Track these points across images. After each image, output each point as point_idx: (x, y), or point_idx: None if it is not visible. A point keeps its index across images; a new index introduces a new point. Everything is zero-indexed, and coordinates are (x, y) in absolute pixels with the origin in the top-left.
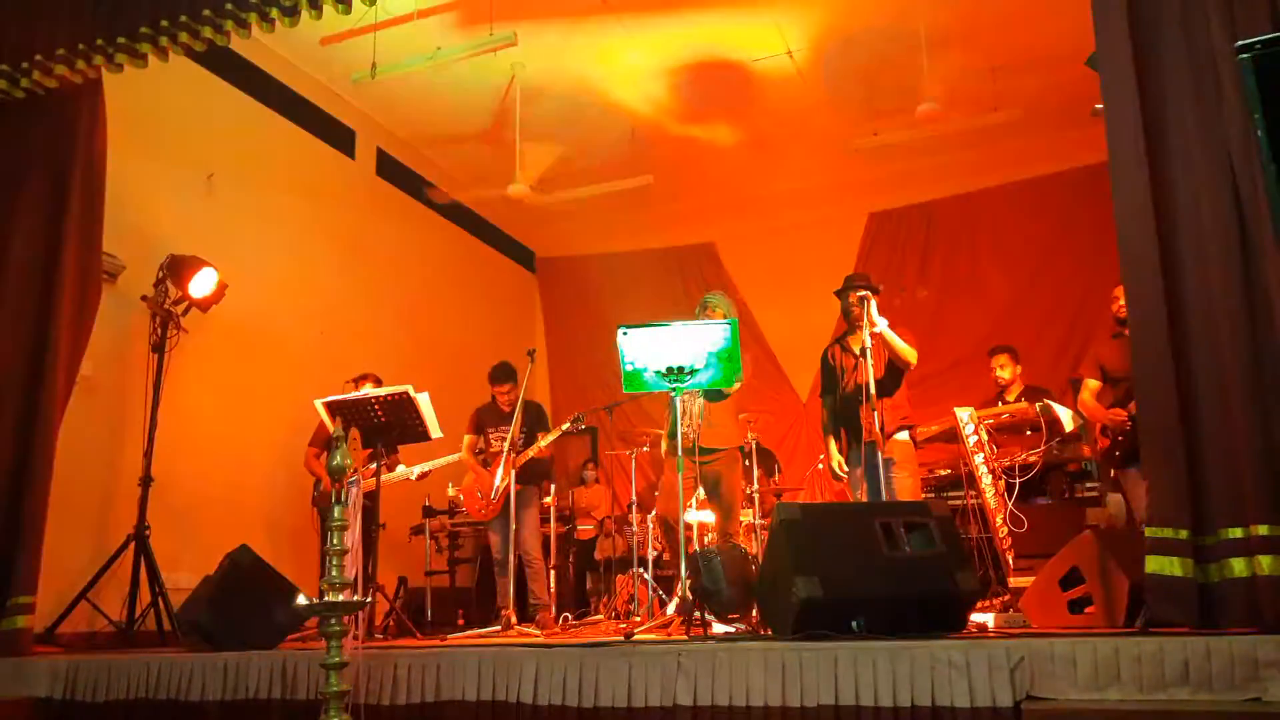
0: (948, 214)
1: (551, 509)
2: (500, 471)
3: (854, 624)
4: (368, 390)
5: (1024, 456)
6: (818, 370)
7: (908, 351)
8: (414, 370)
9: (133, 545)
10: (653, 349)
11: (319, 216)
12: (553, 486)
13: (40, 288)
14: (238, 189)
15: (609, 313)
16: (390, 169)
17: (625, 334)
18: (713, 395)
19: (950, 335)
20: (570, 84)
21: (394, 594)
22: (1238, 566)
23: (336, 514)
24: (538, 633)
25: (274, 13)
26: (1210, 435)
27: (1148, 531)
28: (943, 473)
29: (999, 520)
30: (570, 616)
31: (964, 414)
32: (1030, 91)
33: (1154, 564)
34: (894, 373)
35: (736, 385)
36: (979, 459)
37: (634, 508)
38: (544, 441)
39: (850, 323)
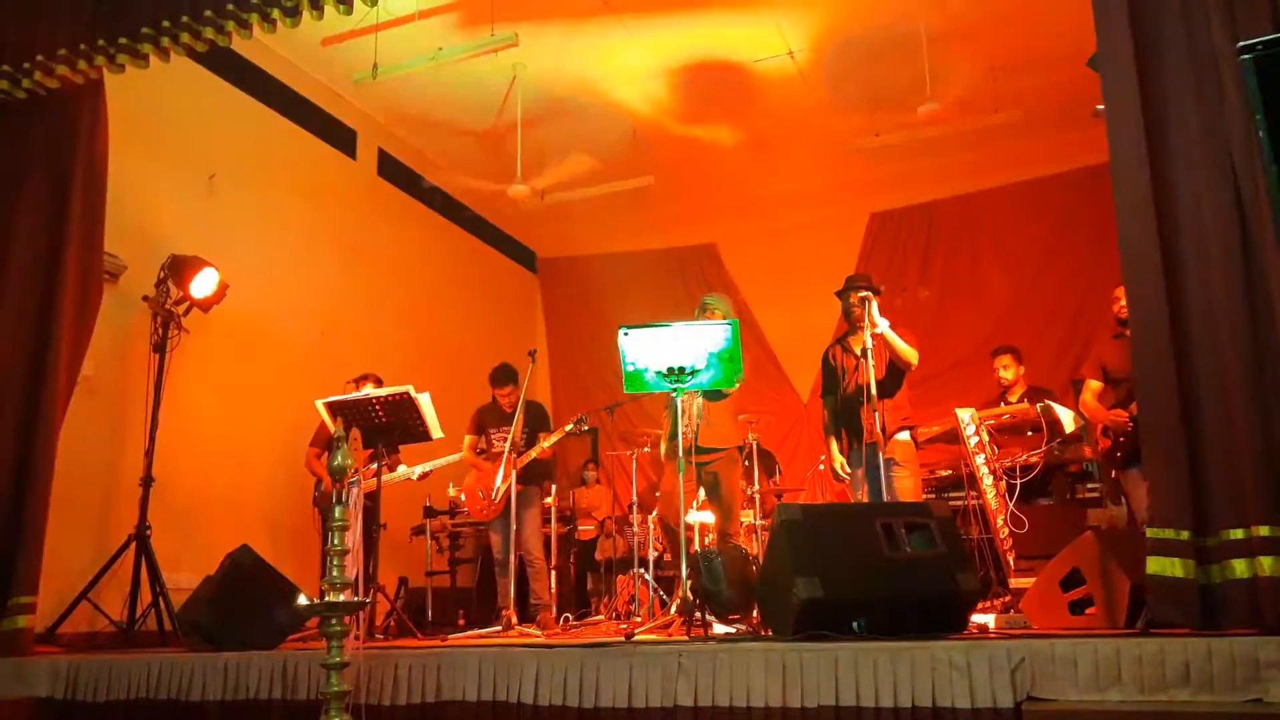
0: (949, 214)
1: (552, 509)
2: (501, 472)
3: (855, 624)
4: (368, 390)
5: (1025, 457)
6: (818, 371)
7: (909, 352)
8: (415, 370)
9: (134, 545)
10: (654, 349)
11: (320, 217)
12: (554, 487)
13: (42, 288)
14: (239, 189)
15: (610, 313)
16: (391, 169)
17: (626, 334)
18: (712, 395)
19: (951, 336)
20: (571, 84)
21: (395, 594)
22: (1239, 567)
23: (337, 514)
24: (538, 633)
25: (275, 13)
26: (1211, 436)
27: (1149, 532)
28: (944, 473)
29: (1000, 521)
30: (571, 617)
31: (965, 415)
32: (1031, 92)
33: (1155, 565)
34: (895, 373)
35: (727, 386)
36: (980, 460)
37: (635, 508)
38: (546, 443)
39: (851, 323)
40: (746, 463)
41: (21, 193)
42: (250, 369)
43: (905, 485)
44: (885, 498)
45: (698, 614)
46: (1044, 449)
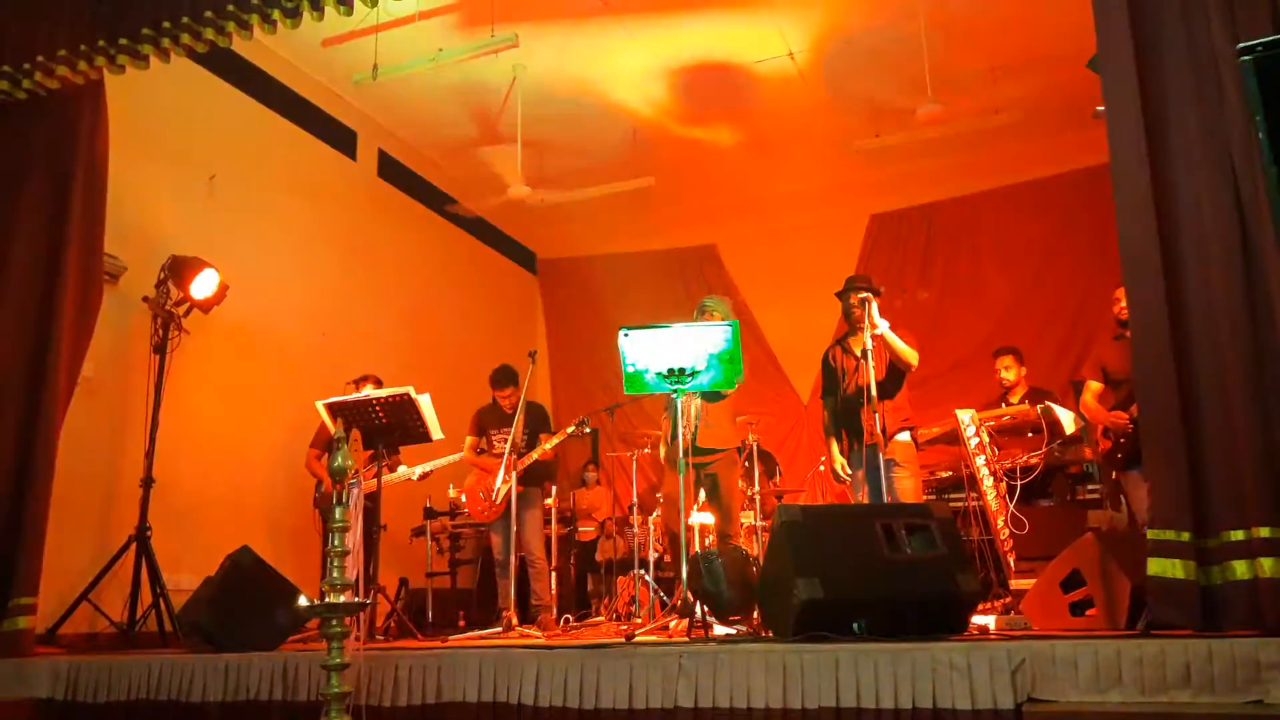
0: (949, 216)
1: (553, 510)
2: (501, 473)
3: (855, 626)
4: (369, 392)
5: (1025, 459)
6: (819, 372)
7: (909, 353)
8: (415, 371)
9: (134, 546)
10: (654, 350)
11: (320, 218)
12: (554, 488)
13: (42, 289)
14: (239, 190)
15: (610, 314)
16: (392, 170)
17: (626, 335)
18: (710, 396)
19: (951, 337)
20: (572, 85)
21: (395, 595)
22: (1239, 569)
23: (338, 515)
24: (539, 634)
25: (275, 14)
26: (1212, 437)
27: (1149, 534)
28: (944, 474)
29: (1000, 522)
30: (571, 618)
31: (965, 416)
32: (1031, 93)
33: (1156, 566)
34: (895, 374)
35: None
36: (980, 461)
37: (635, 509)
38: (548, 444)
39: (851, 324)
40: (747, 464)
41: (22, 193)
42: (250, 370)
43: (905, 486)
44: (885, 499)
45: (698, 615)
46: (1044, 450)
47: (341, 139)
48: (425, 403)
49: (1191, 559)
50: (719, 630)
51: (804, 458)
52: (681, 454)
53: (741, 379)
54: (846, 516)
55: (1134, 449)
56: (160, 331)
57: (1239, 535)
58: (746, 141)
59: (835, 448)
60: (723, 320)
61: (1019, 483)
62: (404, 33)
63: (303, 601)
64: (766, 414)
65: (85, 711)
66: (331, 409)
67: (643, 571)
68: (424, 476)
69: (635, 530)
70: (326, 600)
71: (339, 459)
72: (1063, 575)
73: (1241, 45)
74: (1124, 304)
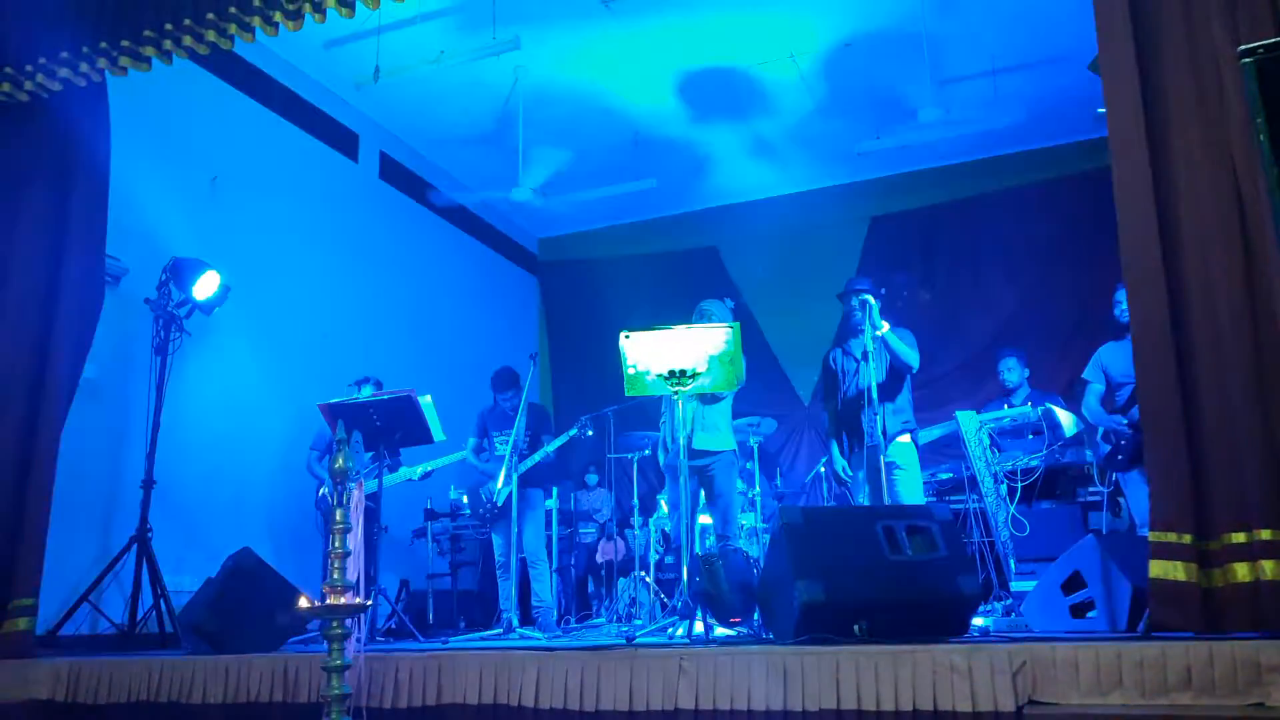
0: (950, 218)
1: (554, 512)
2: (503, 474)
3: (856, 628)
4: (370, 394)
5: (1026, 461)
6: (820, 374)
7: (910, 355)
8: (416, 373)
9: (135, 547)
10: (655, 352)
11: (322, 220)
12: (555, 489)
13: (43, 290)
14: (241, 192)
15: (611, 316)
16: (393, 172)
17: (627, 337)
18: (706, 399)
19: (953, 339)
20: (573, 87)
21: (396, 597)
22: (1241, 571)
23: (339, 517)
24: (539, 636)
25: (277, 16)
26: (1213, 439)
27: (1151, 536)
28: (945, 476)
29: (1001, 523)
30: (572, 620)
31: (966, 417)
32: (1032, 95)
33: (1157, 568)
34: (896, 376)
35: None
36: (981, 463)
37: (636, 511)
38: (550, 447)
39: (852, 326)
40: (748, 465)
41: (24, 195)
42: (252, 371)
43: (906, 488)
44: (886, 500)
45: (699, 617)
46: (1044, 452)
47: (343, 141)
48: (427, 404)
49: (1193, 561)
50: (720, 632)
51: (804, 459)
52: (683, 456)
53: (742, 381)
54: (847, 518)
55: (1134, 450)
56: (162, 333)
57: (1240, 538)
58: (748, 144)
59: (836, 449)
60: (721, 323)
61: (1019, 484)
62: (405, 35)
63: (303, 603)
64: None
65: (86, 712)
66: (333, 410)
67: (643, 573)
68: (425, 476)
69: (636, 532)
70: (327, 602)
71: (340, 460)
72: (1064, 577)
73: (1242, 47)
74: (1125, 305)
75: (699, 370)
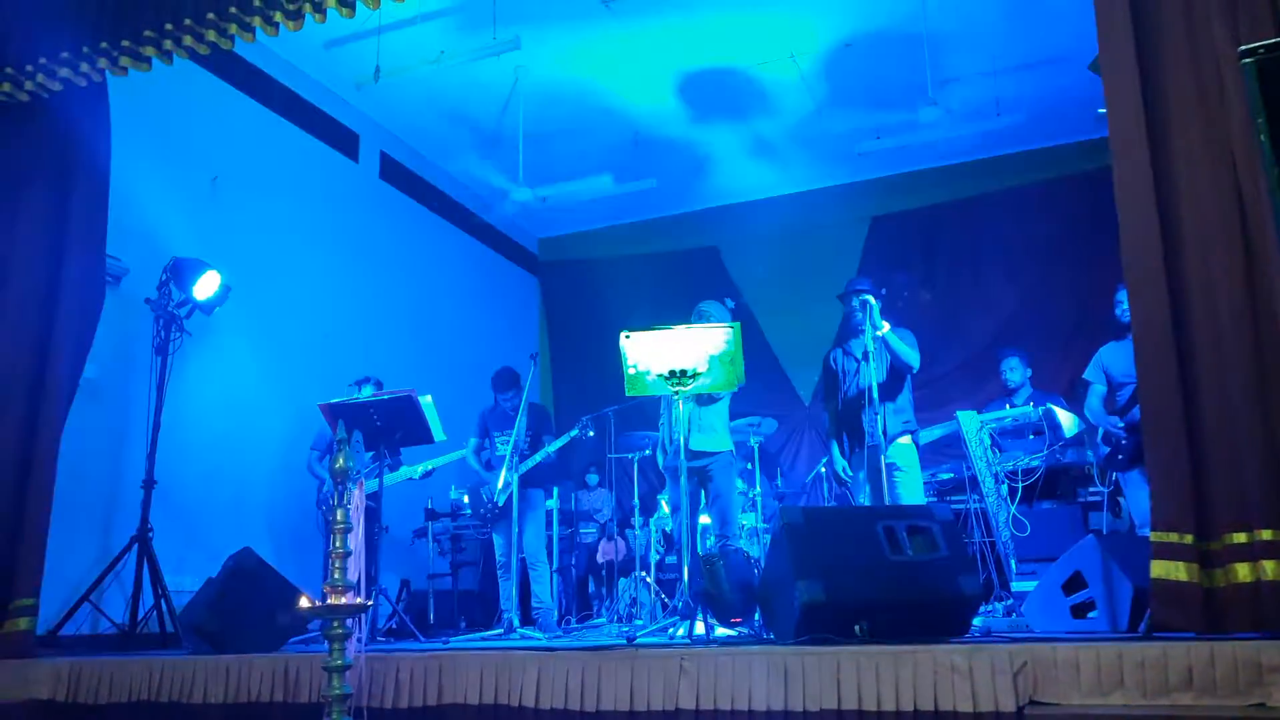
0: (951, 218)
1: (555, 512)
2: (503, 475)
3: (857, 628)
4: (370, 394)
5: (1027, 461)
6: (820, 374)
7: (910, 355)
8: (417, 373)
9: (136, 547)
10: (655, 352)
11: (322, 220)
12: (556, 489)
13: (44, 290)
14: (241, 192)
15: (612, 316)
16: (394, 172)
17: (628, 337)
18: (702, 400)
19: (954, 339)
20: (573, 87)
21: (396, 597)
22: (1242, 571)
23: (339, 516)
24: (540, 636)
25: (278, 16)
26: (1214, 439)
27: (1153, 536)
28: (945, 476)
29: (1001, 524)
30: (573, 620)
31: (967, 417)
32: (1032, 95)
33: (1159, 569)
34: (896, 376)
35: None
36: (982, 463)
37: (636, 511)
38: (551, 448)
39: (853, 327)
40: (749, 465)
41: (24, 195)
42: (252, 371)
43: (907, 488)
44: (887, 501)
45: (699, 617)
46: (1045, 452)
47: (343, 141)
48: (427, 404)
49: (1194, 561)
50: (720, 632)
51: (805, 460)
52: (683, 457)
53: (743, 381)
54: (848, 518)
55: (1134, 451)
56: (162, 333)
57: (1241, 538)
58: (748, 144)
59: (836, 450)
60: (719, 324)
61: (1020, 484)
62: (406, 35)
63: (304, 603)
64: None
65: (86, 713)
66: (333, 410)
67: (644, 573)
68: (426, 475)
69: (636, 532)
70: (328, 602)
71: (340, 460)
72: (1064, 577)
73: (1243, 47)
74: (1126, 305)
75: (699, 370)
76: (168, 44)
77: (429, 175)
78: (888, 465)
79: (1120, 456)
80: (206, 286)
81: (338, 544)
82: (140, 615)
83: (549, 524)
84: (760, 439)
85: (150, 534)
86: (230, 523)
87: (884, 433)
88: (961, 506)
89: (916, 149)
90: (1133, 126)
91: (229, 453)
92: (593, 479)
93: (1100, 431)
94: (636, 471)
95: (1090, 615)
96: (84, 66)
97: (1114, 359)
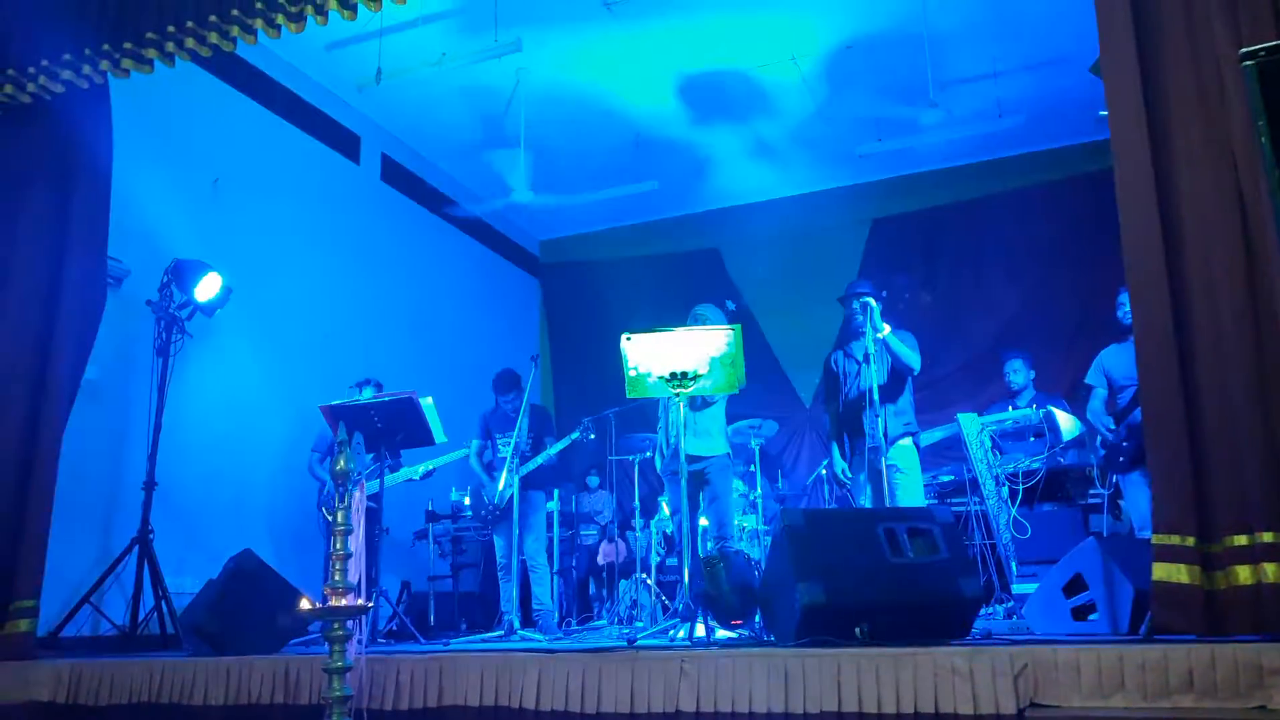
0: (952, 220)
1: (555, 514)
2: (504, 477)
3: (857, 630)
4: (370, 396)
5: (1027, 463)
6: (821, 376)
7: (911, 357)
8: (418, 374)
9: (136, 549)
10: (656, 354)
11: (324, 222)
12: (557, 491)
13: (45, 291)
14: (243, 194)
15: (612, 318)
16: (395, 174)
17: (629, 339)
18: (697, 404)
19: (955, 341)
20: (575, 89)
21: (397, 598)
22: (1242, 574)
23: (340, 518)
24: (541, 638)
25: (280, 18)
26: (1215, 440)
27: (1154, 538)
28: (946, 478)
29: (1002, 526)
30: (573, 622)
31: (967, 420)
32: (1033, 98)
33: (1161, 571)
34: (897, 378)
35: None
36: (982, 465)
37: (637, 513)
38: (553, 449)
39: (854, 329)
40: (751, 467)
41: (26, 196)
42: (253, 373)
43: (907, 490)
44: (887, 502)
45: (700, 619)
46: (1045, 454)
47: (345, 143)
48: (428, 406)
49: (1196, 564)
50: (721, 634)
51: (806, 462)
52: (681, 459)
53: (743, 383)
54: (849, 520)
55: (1135, 453)
56: (163, 334)
57: (1242, 540)
58: (749, 146)
59: (837, 451)
60: (718, 326)
61: (1021, 487)
62: (407, 37)
63: (304, 605)
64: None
65: (87, 714)
66: (334, 412)
67: (644, 575)
68: (426, 475)
69: (637, 534)
70: (328, 604)
71: (341, 462)
72: (1065, 580)
73: (1244, 50)
74: (1128, 307)
75: (700, 372)
76: (170, 46)
77: (430, 177)
78: (888, 467)
79: (1120, 459)
80: (208, 288)
81: (338, 546)
82: (141, 617)
83: (550, 526)
84: (761, 441)
85: (151, 535)
86: (231, 524)
87: (885, 435)
88: (962, 509)
89: (917, 151)
90: (1134, 128)
91: (230, 454)
92: (593, 481)
93: (1099, 435)
94: (637, 473)
95: (1091, 618)
96: (86, 68)
97: (1115, 361)
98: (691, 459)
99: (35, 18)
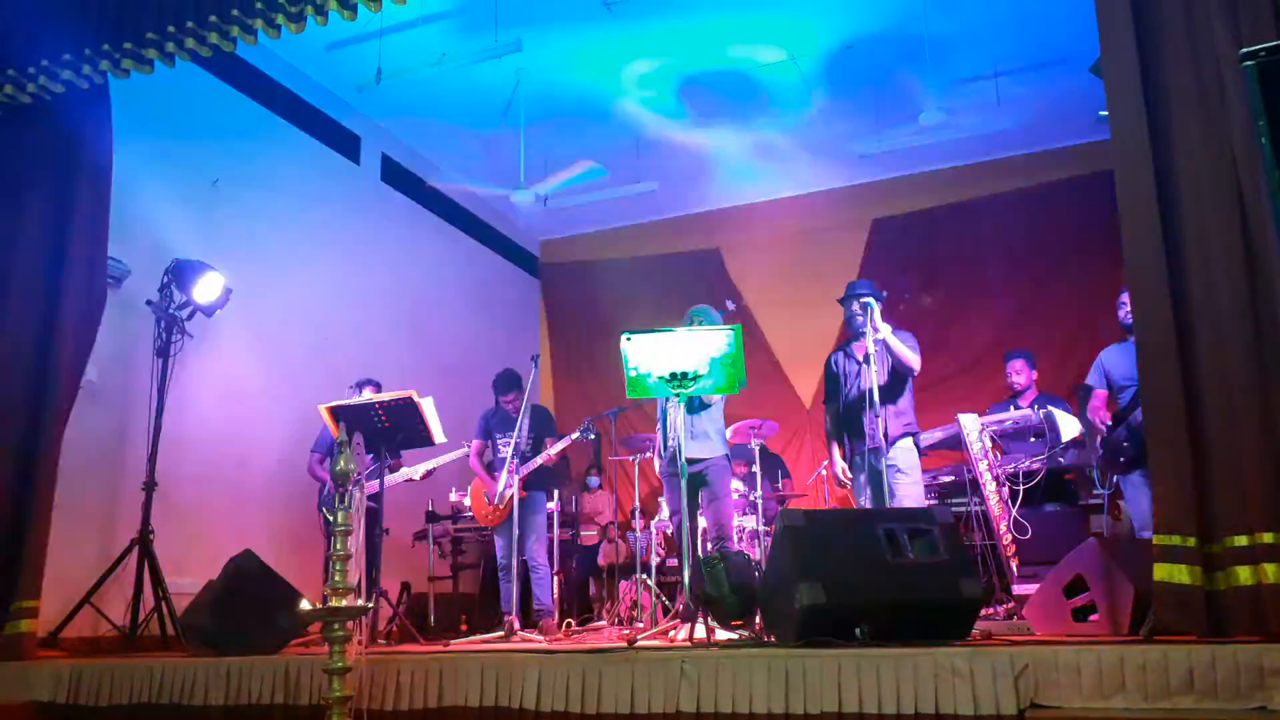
0: (952, 221)
1: (555, 515)
2: (504, 477)
3: (858, 631)
4: (371, 395)
5: (1028, 463)
6: (821, 376)
7: (911, 358)
8: (417, 375)
9: (136, 549)
10: (656, 354)
11: (324, 222)
12: (557, 492)
13: (45, 291)
14: (243, 194)
15: (613, 318)
16: (395, 175)
17: (629, 339)
18: (694, 406)
19: (955, 341)
20: (575, 90)
21: (397, 599)
22: (1243, 574)
23: (340, 519)
24: (541, 639)
25: (280, 18)
26: (1216, 441)
27: (1156, 539)
28: (946, 479)
29: (1003, 527)
30: (573, 622)
31: (968, 420)
32: (1034, 97)
33: (1162, 571)
34: (897, 379)
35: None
36: (983, 465)
37: (637, 513)
38: (553, 450)
39: (854, 329)
40: (752, 468)
41: (26, 196)
42: (253, 373)
43: (908, 491)
44: (888, 503)
45: (700, 620)
46: (1046, 455)
47: (345, 143)
48: (428, 406)
49: (1198, 564)
50: (721, 635)
51: (806, 462)
52: (682, 461)
53: (743, 383)
54: (849, 521)
55: (1136, 453)
56: (163, 335)
57: (1242, 540)
58: (749, 146)
59: (837, 452)
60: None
61: (1021, 487)
62: (407, 37)
63: (305, 605)
64: (769, 418)
65: (86, 715)
66: (334, 412)
67: (645, 576)
68: (427, 475)
69: (637, 535)
70: (329, 604)
71: (341, 462)
72: (1066, 580)
73: (1244, 50)
74: (1129, 307)
75: (700, 373)
76: (170, 46)
77: (430, 177)
78: (889, 468)
79: (1121, 459)
80: (208, 288)
81: (338, 546)
82: (141, 617)
83: (550, 526)
84: (761, 442)
85: (151, 536)
86: (231, 525)
87: (885, 435)
88: (962, 509)
89: (918, 151)
90: (1134, 128)
91: (230, 455)
92: (594, 481)
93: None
94: (637, 474)
95: (1091, 618)
96: (86, 68)
97: (1115, 362)
98: (690, 461)
99: (35, 18)
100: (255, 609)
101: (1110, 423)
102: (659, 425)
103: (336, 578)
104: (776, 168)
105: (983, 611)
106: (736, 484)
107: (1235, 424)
